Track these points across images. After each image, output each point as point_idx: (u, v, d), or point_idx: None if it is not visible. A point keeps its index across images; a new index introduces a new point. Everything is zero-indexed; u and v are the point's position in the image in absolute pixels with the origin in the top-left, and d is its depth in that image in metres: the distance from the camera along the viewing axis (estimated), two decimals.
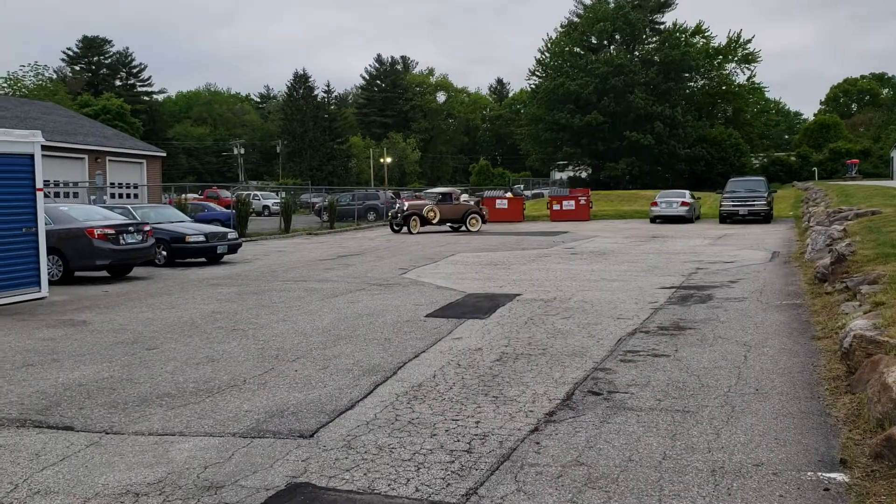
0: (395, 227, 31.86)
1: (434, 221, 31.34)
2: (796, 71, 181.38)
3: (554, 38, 74.43)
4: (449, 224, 32.38)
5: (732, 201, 33.42)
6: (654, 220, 35.07)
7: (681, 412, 5.99)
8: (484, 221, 33.04)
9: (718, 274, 14.99)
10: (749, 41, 72.31)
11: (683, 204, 34.77)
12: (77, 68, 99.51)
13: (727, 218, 33.23)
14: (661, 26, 75.25)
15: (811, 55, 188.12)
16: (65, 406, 6.47)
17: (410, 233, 30.35)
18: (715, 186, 49.98)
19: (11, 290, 12.62)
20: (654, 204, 35.61)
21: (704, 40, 73.05)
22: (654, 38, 73.94)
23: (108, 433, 5.76)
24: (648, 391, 6.61)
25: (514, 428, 5.69)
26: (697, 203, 37.46)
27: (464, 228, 32.19)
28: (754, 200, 33.06)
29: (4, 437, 5.71)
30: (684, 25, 72.37)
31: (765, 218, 32.75)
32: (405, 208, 31.64)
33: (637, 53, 71.93)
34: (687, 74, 71.97)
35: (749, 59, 72.79)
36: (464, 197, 41.23)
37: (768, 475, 4.70)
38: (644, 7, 72.86)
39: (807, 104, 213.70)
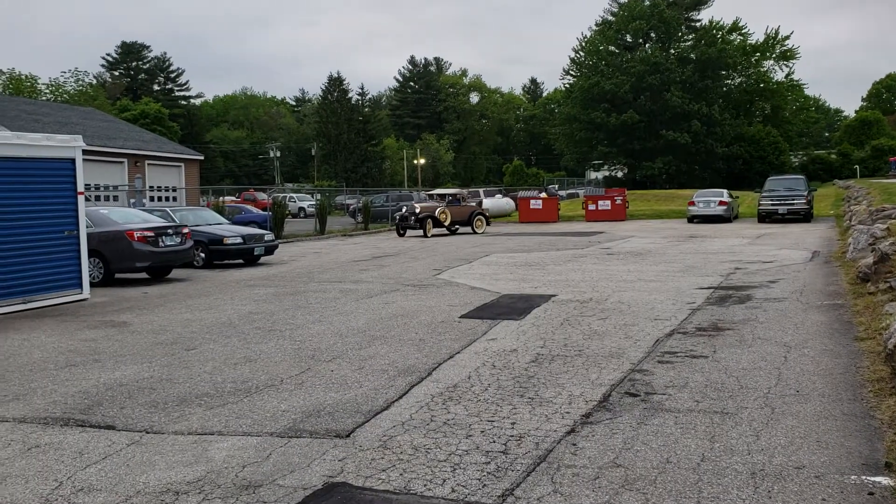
0: (402, 231, 30.53)
1: (446, 224, 30.66)
2: (837, 67, 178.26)
3: (588, 36, 73.99)
4: (456, 225, 31.71)
5: (771, 200, 32.92)
6: (692, 219, 34.67)
7: (719, 414, 5.92)
8: (488, 223, 32.81)
9: (757, 274, 14.77)
10: (787, 38, 71.10)
11: (721, 203, 34.32)
12: (116, 74, 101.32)
13: (766, 217, 32.74)
14: (697, 24, 74.36)
15: (852, 51, 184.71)
16: (106, 406, 6.58)
17: (426, 236, 29.43)
18: (753, 185, 49.28)
19: (54, 292, 12.89)
20: (692, 203, 35.20)
21: (741, 37, 72.00)
22: (690, 36, 73.10)
23: (148, 432, 5.84)
24: (686, 392, 6.54)
25: (551, 429, 5.66)
26: (735, 202, 36.97)
27: (469, 230, 31.88)
28: (793, 199, 32.53)
29: (49, 435, 5.83)
30: (721, 22, 71.45)
31: (804, 217, 32.21)
32: (417, 211, 30.26)
33: (673, 51, 71.16)
34: (724, 72, 70.99)
35: (787, 55, 71.59)
36: (485, 198, 41.42)
37: (810, 478, 4.62)
38: (679, 4, 72.06)
39: (848, 101, 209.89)
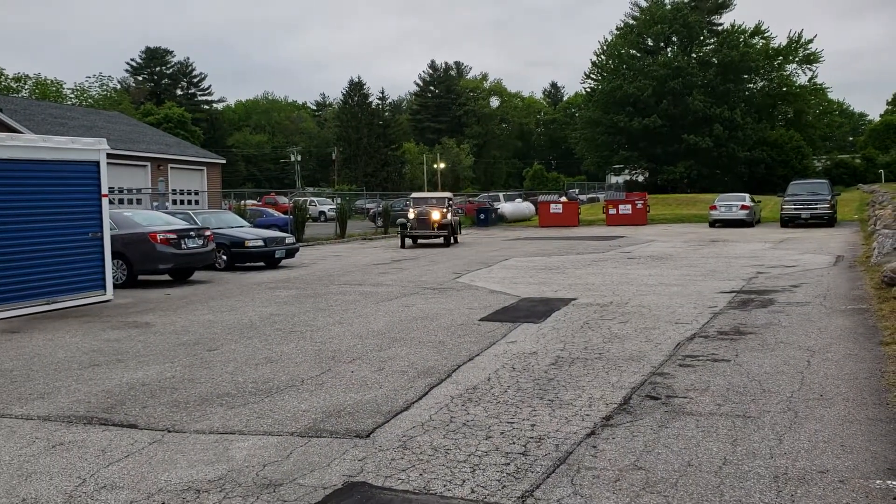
0: (407, 238, 27.24)
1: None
2: (861, 71, 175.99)
3: (610, 40, 73.74)
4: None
5: (794, 204, 32.65)
6: (714, 223, 34.46)
7: (741, 417, 5.87)
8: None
9: (780, 278, 14.64)
10: (810, 41, 70.41)
11: (743, 207, 34.09)
12: (140, 78, 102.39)
13: (789, 221, 32.47)
14: (719, 27, 73.84)
15: (877, 55, 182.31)
16: (129, 405, 6.64)
17: (448, 244, 26.97)
18: (776, 190, 48.80)
19: (78, 293, 13.04)
20: (714, 207, 35.00)
21: (764, 41, 71.40)
22: (712, 40, 72.57)
23: (170, 431, 5.89)
24: (708, 396, 6.49)
25: (571, 431, 5.64)
26: (758, 206, 36.69)
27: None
28: (817, 203, 32.24)
29: (73, 433, 5.89)
30: (743, 26, 70.88)
31: (828, 221, 31.90)
32: (410, 216, 27.26)
33: (695, 55, 70.73)
34: (746, 76, 70.39)
35: (811, 59, 70.89)
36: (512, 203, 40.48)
37: (834, 482, 4.57)
38: (701, 8, 71.62)
39: (872, 105, 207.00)
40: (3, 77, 72.49)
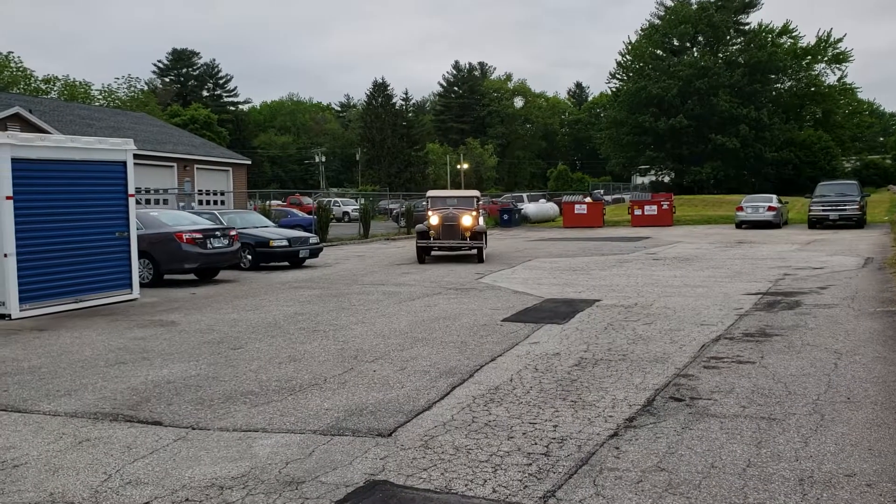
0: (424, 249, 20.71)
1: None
2: (892, 70, 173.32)
3: (635, 41, 73.30)
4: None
5: (822, 206, 32.24)
6: (740, 225, 34.12)
7: (766, 419, 5.80)
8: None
9: (807, 280, 14.46)
10: (840, 40, 69.42)
11: (770, 209, 33.72)
12: (167, 80, 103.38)
13: (816, 223, 32.07)
14: (746, 27, 73.08)
15: None
16: (154, 402, 6.71)
17: (482, 259, 20.35)
18: (803, 191, 48.22)
19: (105, 292, 13.20)
20: (740, 209, 34.66)
21: (792, 40, 70.55)
22: (739, 40, 71.84)
23: (194, 428, 5.94)
24: (732, 398, 6.43)
25: (593, 432, 5.61)
26: (785, 208, 36.28)
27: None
28: (845, 205, 31.82)
29: (99, 429, 5.97)
30: (770, 25, 70.11)
31: (857, 223, 31.46)
32: (433, 222, 20.48)
33: (721, 55, 70.08)
34: (773, 76, 69.61)
35: (840, 58, 69.94)
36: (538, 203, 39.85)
37: (861, 486, 4.50)
38: (728, 8, 70.89)
39: None
40: (32, 79, 73.54)
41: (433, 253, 21.23)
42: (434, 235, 20.27)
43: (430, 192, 22.94)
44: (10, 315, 11.65)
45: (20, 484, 4.84)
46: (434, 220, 20.32)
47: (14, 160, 11.68)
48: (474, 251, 20.41)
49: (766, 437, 5.41)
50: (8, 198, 11.59)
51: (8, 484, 4.84)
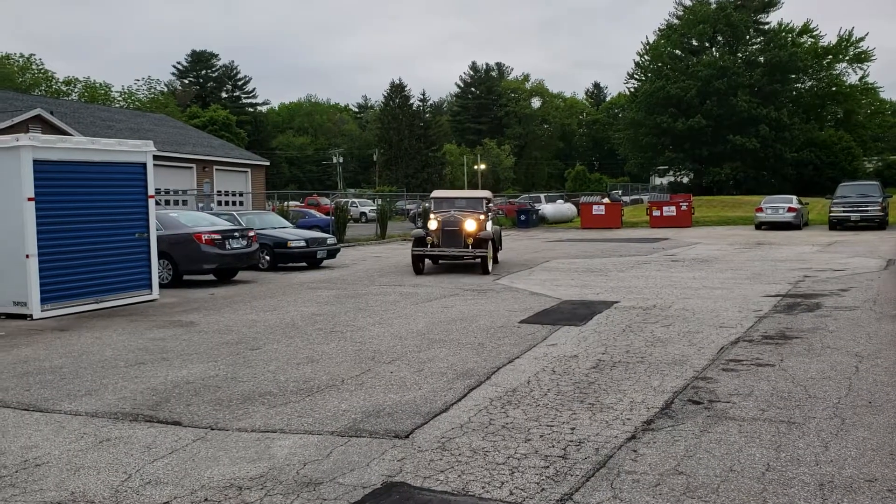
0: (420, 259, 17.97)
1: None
2: None
3: (652, 41, 72.97)
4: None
5: (843, 207, 31.95)
6: (760, 226, 33.89)
7: (786, 423, 5.76)
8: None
9: (828, 282, 14.34)
10: (861, 39, 68.70)
11: (790, 210, 33.46)
12: (186, 82, 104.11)
13: (837, 224, 31.79)
14: (766, 26, 72.54)
15: None
16: (173, 402, 6.76)
17: (486, 271, 17.40)
18: (824, 192, 47.79)
19: (125, 292, 13.31)
20: (760, 210, 34.42)
21: (812, 40, 69.91)
22: (759, 39, 71.32)
23: (213, 429, 5.98)
24: (751, 401, 6.38)
25: (611, 435, 5.60)
26: (805, 209, 35.97)
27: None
28: (867, 206, 31.51)
29: (119, 429, 6.02)
30: (790, 25, 69.56)
31: (879, 224, 31.15)
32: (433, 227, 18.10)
33: (740, 55, 69.63)
34: (794, 75, 69.02)
35: (861, 58, 69.20)
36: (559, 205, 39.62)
37: (882, 491, 4.46)
38: (747, 7, 70.39)
39: None
40: (53, 81, 74.44)
41: (439, 262, 18.97)
42: (433, 242, 17.92)
43: (435, 193, 20.56)
44: (31, 315, 11.78)
45: (42, 483, 4.89)
46: (433, 224, 18.04)
47: (36, 162, 11.80)
48: (478, 261, 17.67)
49: (785, 440, 5.37)
50: (30, 199, 11.72)
51: (30, 483, 4.90)
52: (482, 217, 18.36)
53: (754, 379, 7.12)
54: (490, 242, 17.93)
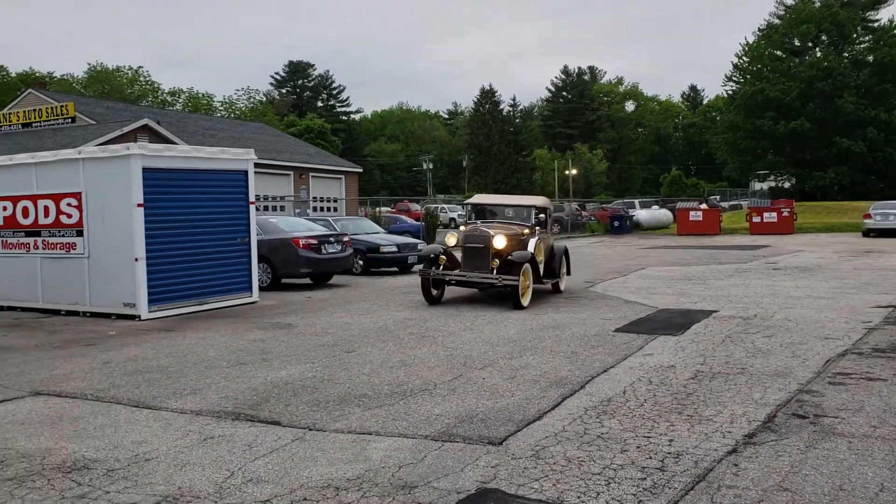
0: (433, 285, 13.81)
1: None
2: None
3: (752, 42, 70.67)
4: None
5: None
6: (868, 233, 32.31)
7: None
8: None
9: None
10: None
11: None
12: (283, 91, 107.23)
13: None
14: (875, 24, 69.21)
15: None
16: (273, 402, 6.96)
17: (520, 306, 12.80)
18: None
19: (227, 295, 13.79)
20: (868, 216, 32.81)
21: None
22: (867, 37, 68.10)
23: (311, 429, 6.12)
24: (861, 417, 6.09)
25: (710, 448, 5.44)
26: None
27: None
28: None
29: (222, 428, 6.23)
30: None
31: None
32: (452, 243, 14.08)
33: (847, 55, 66.64)
34: None
35: None
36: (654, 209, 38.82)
37: None
38: (855, 4, 67.34)
39: None
40: (159, 92, 78.03)
41: (453, 285, 13.91)
42: (446, 263, 13.68)
43: (476, 197, 16.60)
44: (139, 316, 12.34)
45: (151, 477, 5.11)
46: (451, 239, 14.04)
47: (144, 169, 12.37)
48: (507, 289, 12.99)
49: None
50: (139, 205, 12.29)
51: (141, 476, 5.12)
52: (525, 232, 14.11)
53: (864, 393, 6.79)
54: (526, 266, 13.13)
